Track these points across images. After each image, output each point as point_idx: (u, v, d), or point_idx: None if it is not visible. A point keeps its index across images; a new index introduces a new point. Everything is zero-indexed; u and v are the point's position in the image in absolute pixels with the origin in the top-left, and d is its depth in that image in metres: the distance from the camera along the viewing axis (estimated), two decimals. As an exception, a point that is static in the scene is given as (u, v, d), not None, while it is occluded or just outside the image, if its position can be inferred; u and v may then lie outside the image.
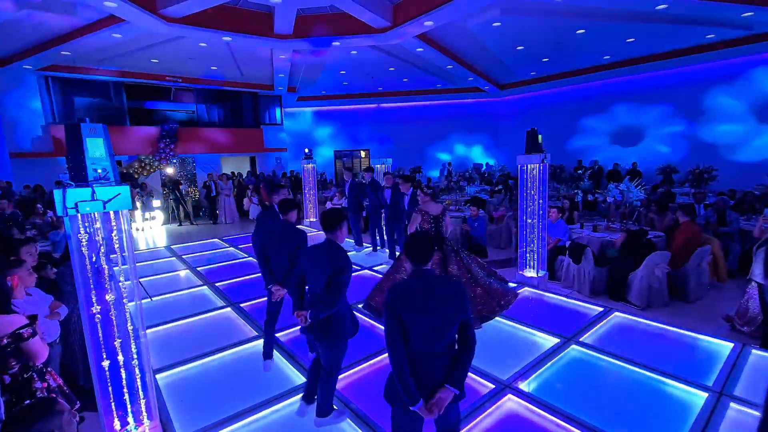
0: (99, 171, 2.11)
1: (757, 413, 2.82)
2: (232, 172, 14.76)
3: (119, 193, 2.27)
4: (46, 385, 2.15)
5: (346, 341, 2.74)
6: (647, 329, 4.25)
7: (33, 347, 2.15)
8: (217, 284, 5.98)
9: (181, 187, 12.51)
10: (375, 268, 6.57)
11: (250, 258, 7.52)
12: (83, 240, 2.25)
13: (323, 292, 2.58)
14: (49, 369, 2.31)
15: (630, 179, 7.08)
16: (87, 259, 2.29)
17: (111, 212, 2.34)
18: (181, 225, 11.96)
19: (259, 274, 6.43)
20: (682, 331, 4.11)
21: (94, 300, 2.35)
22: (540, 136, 5.59)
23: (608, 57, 12.28)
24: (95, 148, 2.11)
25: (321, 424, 2.79)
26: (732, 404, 2.93)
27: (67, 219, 2.20)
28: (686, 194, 10.07)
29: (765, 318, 3.88)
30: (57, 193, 2.12)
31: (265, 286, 3.58)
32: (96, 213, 2.28)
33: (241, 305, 5.12)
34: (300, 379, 3.46)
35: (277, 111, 17.14)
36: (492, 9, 8.18)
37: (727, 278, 5.78)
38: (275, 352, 3.90)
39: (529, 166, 5.59)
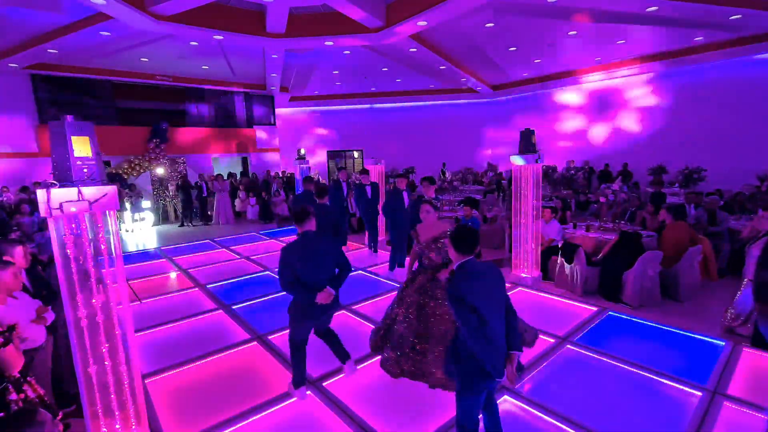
0: (85, 170, 2.04)
1: (751, 412, 2.84)
2: (228, 173, 14.60)
3: (106, 194, 2.20)
4: (23, 396, 2.06)
5: None
6: (641, 329, 4.26)
7: (5, 356, 2.05)
8: (208, 286, 5.89)
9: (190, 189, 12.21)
10: (369, 269, 6.53)
11: (243, 259, 7.44)
12: (68, 242, 2.17)
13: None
14: (29, 379, 2.22)
15: (622, 180, 7.14)
16: (72, 261, 2.22)
17: (98, 213, 2.27)
18: (183, 225, 11.79)
19: (251, 276, 6.39)
20: (675, 330, 4.13)
21: (79, 303, 2.27)
22: (534, 137, 5.60)
23: (599, 59, 12.40)
24: (81, 146, 2.04)
25: None
26: (726, 403, 2.95)
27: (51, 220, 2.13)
28: (676, 194, 10.18)
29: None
30: (41, 193, 2.04)
31: None
32: (82, 214, 2.21)
33: (234, 308, 5.04)
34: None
35: (270, 111, 17.00)
36: (485, 10, 8.20)
37: (718, 277, 5.84)
38: (269, 356, 3.84)
39: (522, 166, 5.59)
